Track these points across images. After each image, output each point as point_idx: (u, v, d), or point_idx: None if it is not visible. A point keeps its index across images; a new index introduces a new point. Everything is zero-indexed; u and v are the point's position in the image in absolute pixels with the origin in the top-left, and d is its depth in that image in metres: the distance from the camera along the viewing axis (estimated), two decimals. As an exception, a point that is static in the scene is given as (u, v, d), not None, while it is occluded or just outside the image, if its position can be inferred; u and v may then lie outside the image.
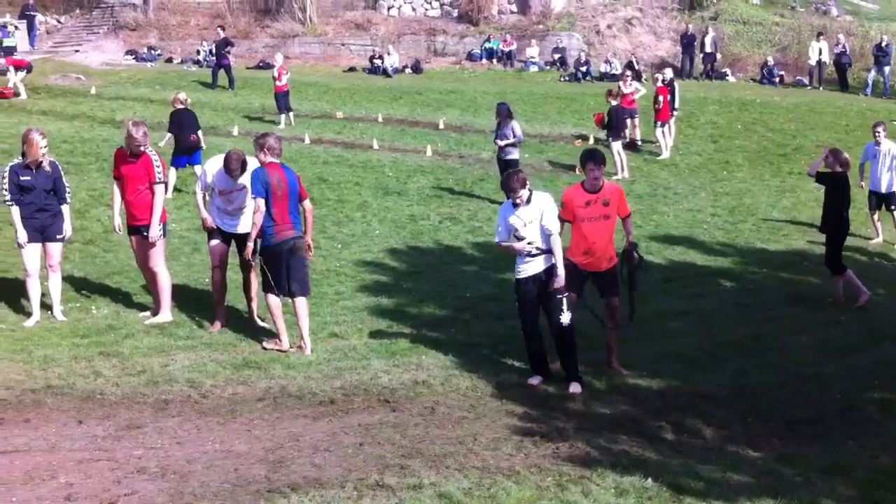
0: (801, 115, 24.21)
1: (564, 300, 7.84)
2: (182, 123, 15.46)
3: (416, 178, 17.73)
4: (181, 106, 15.67)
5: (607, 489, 5.92)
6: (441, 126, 22.54)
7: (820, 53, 28.95)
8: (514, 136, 15.57)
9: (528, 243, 7.87)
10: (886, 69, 27.99)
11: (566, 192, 8.46)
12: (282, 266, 8.54)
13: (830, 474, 6.31)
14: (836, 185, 11.12)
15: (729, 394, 8.04)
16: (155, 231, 9.24)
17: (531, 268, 7.94)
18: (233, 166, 8.75)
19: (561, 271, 7.81)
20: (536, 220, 7.89)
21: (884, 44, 27.94)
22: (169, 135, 15.63)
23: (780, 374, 8.66)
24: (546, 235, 7.89)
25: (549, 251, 7.91)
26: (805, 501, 5.79)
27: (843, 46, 28.48)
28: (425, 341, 9.11)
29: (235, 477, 5.99)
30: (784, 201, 16.48)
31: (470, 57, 32.30)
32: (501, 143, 15.82)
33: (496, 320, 9.92)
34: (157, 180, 9.28)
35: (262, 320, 9.46)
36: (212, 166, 9.20)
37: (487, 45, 32.27)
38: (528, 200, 7.89)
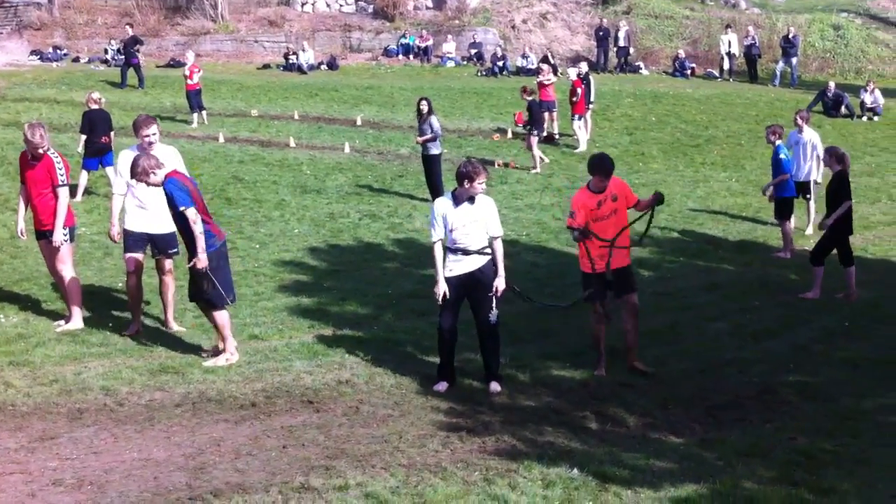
0: (713, 106, 24.76)
1: (494, 298, 7.74)
2: (94, 124, 15.01)
3: (335, 175, 17.57)
4: (95, 106, 15.21)
5: (534, 481, 5.94)
6: (358, 123, 22.38)
7: (729, 46, 29.66)
8: (432, 132, 15.50)
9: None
10: (794, 60, 28.82)
11: (574, 198, 8.30)
12: (229, 268, 8.36)
13: (750, 457, 6.45)
14: (843, 183, 10.76)
15: (649, 382, 8.15)
16: (59, 236, 8.91)
17: (459, 267, 7.75)
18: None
19: (502, 272, 7.69)
20: (479, 220, 7.66)
21: (791, 35, 28.76)
22: (83, 136, 15.16)
23: (698, 360, 8.81)
24: (490, 238, 7.73)
25: (481, 252, 7.73)
26: (727, 485, 5.89)
27: (752, 38, 29.22)
28: (348, 340, 9.02)
29: (155, 485, 5.84)
30: (698, 191, 16.82)
31: (386, 53, 32.18)
32: (420, 139, 15.80)
33: (419, 317, 9.87)
34: (60, 183, 8.91)
35: (180, 324, 9.25)
36: (126, 161, 8.73)
37: (403, 40, 32.21)
38: (472, 199, 7.68)
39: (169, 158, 8.53)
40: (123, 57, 27.02)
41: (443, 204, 7.81)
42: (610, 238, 8.03)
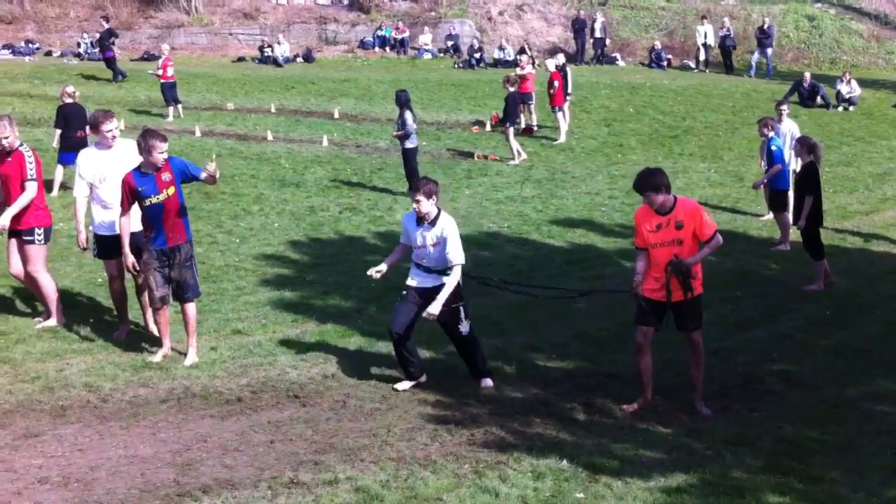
0: (690, 97, 24.87)
1: (462, 308, 7.53)
2: (69, 118, 14.83)
3: (314, 168, 17.47)
4: (69, 100, 15.03)
5: (524, 473, 5.94)
6: (336, 115, 22.29)
7: (705, 37, 29.80)
8: (404, 127, 15.41)
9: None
10: (769, 51, 29.02)
11: (636, 212, 7.35)
12: None
13: (738, 446, 6.49)
14: (808, 176, 10.81)
15: (635, 373, 8.15)
16: (5, 220, 8.59)
17: (420, 281, 7.55)
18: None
19: (441, 298, 7.31)
20: (438, 244, 7.40)
21: (766, 26, 28.94)
22: (58, 131, 14.97)
23: (681, 350, 8.81)
24: (447, 264, 7.41)
25: (444, 272, 7.45)
26: (716, 474, 5.93)
27: (728, 30, 29.37)
28: (332, 334, 8.98)
29: (143, 482, 5.79)
30: (678, 182, 16.81)
31: (362, 45, 32.08)
32: (394, 133, 15.96)
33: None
34: (30, 177, 8.66)
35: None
36: (86, 162, 8.52)
37: (380, 32, 32.13)
38: (434, 222, 7.40)
39: (132, 152, 8.19)
40: (99, 50, 26.72)
41: (408, 219, 7.62)
42: (664, 267, 7.04)
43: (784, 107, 14.35)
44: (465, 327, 7.60)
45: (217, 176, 8.05)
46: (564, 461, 6.08)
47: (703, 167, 18.12)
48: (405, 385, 7.70)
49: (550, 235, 13.31)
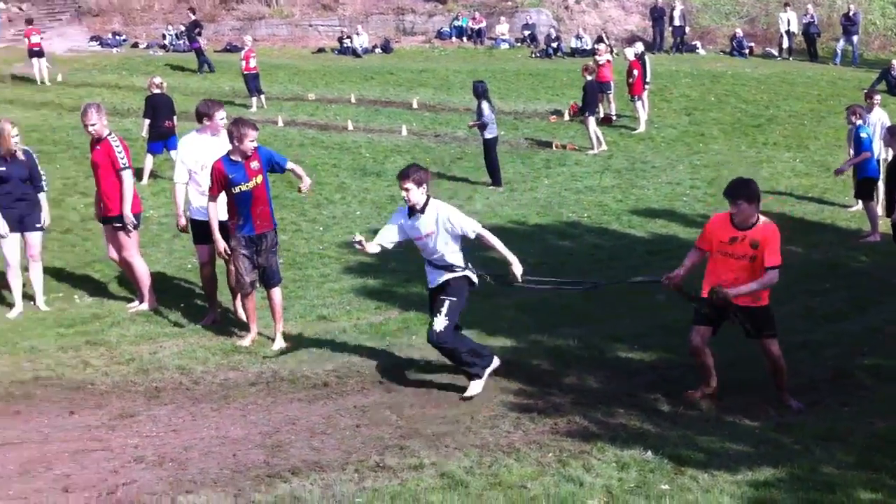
0: (773, 85, 24.35)
1: (446, 303, 7.02)
2: (157, 108, 15.24)
3: (393, 158, 17.61)
4: (157, 90, 15.45)
5: (608, 463, 5.91)
6: (415, 105, 22.42)
7: (788, 24, 29.10)
8: (481, 118, 15.60)
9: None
10: (854, 38, 28.21)
11: (713, 218, 7.12)
12: None
13: (828, 441, 6.34)
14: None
15: (721, 365, 8.04)
16: (129, 217, 8.99)
17: (430, 280, 7.30)
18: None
19: (510, 257, 6.94)
20: (437, 231, 6.97)
21: (851, 13, 28.14)
22: (146, 121, 15.40)
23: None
24: (460, 240, 7.00)
25: (447, 268, 7.09)
26: (805, 469, 5.82)
27: (811, 16, 28.64)
28: (415, 321, 9.05)
29: (234, 463, 5.93)
30: (763, 172, 16.53)
31: (439, 35, 32.14)
32: (470, 123, 16.16)
33: (484, 298, 9.82)
34: (122, 166, 8.97)
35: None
36: (188, 148, 8.81)
37: (456, 23, 32.12)
38: (423, 210, 6.99)
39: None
40: (187, 41, 27.37)
41: (399, 214, 7.27)
42: (727, 281, 6.81)
43: (876, 97, 14.02)
44: (437, 324, 7.00)
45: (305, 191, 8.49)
46: (649, 452, 6.03)
47: (789, 157, 17.74)
48: (475, 388, 7.19)
49: (631, 225, 13.21)
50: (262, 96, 22.37)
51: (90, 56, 28.88)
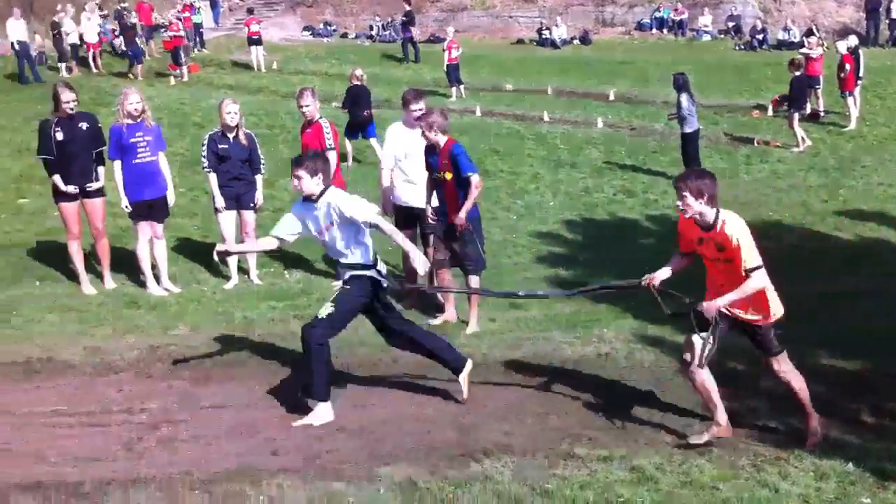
0: None
1: (331, 302, 6.53)
2: (357, 98, 15.97)
3: (588, 150, 17.58)
4: (357, 82, 16.18)
5: (806, 472, 5.74)
6: (611, 97, 22.24)
7: None
8: (679, 111, 15.32)
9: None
10: None
11: (680, 219, 6.25)
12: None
13: None
14: None
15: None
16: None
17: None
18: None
19: (407, 247, 6.53)
20: (336, 222, 6.41)
21: None
22: (346, 110, 16.14)
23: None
24: (368, 225, 6.40)
25: (346, 265, 6.60)
26: None
27: None
28: (606, 314, 9.05)
29: (429, 440, 6.16)
30: None
31: (639, 27, 31.68)
32: (669, 116, 16.10)
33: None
34: (328, 147, 9.45)
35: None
36: (393, 136, 9.10)
37: (658, 14, 31.54)
38: (318, 200, 6.42)
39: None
40: (400, 30, 28.35)
41: (296, 207, 6.71)
42: (724, 285, 6.05)
43: None
44: (322, 311, 6.52)
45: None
46: (850, 464, 5.80)
47: None
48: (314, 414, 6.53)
49: (837, 227, 12.62)
50: (462, 86, 22.81)
51: (302, 45, 30.35)
